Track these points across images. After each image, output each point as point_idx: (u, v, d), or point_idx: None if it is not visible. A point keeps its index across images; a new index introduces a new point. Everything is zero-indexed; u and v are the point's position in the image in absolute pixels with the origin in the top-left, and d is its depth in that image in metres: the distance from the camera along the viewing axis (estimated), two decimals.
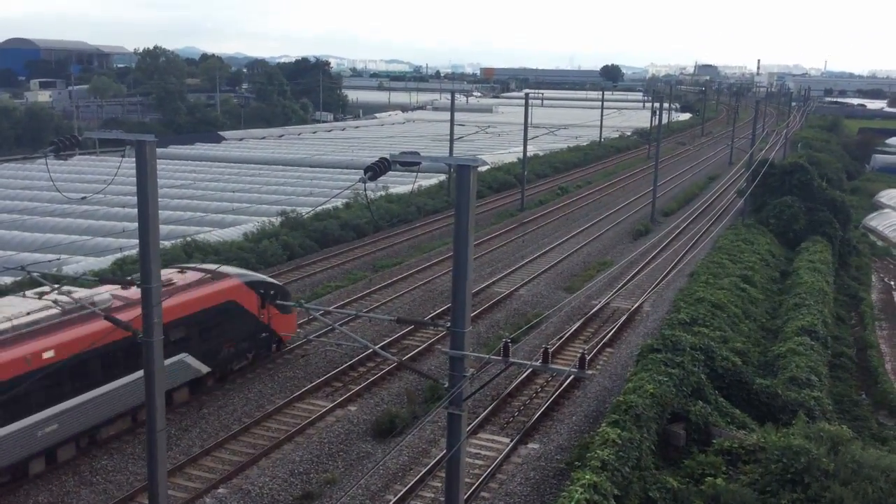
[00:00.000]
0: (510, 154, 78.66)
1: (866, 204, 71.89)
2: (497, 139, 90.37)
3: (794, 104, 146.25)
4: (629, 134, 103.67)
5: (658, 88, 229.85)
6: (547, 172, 70.91)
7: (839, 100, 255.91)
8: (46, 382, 17.53)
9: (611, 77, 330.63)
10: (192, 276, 22.47)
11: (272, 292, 23.68)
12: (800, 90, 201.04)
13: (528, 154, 67.25)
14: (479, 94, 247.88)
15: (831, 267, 43.02)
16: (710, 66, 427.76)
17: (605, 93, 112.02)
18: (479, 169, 64.79)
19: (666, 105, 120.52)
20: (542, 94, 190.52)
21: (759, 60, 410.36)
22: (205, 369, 22.02)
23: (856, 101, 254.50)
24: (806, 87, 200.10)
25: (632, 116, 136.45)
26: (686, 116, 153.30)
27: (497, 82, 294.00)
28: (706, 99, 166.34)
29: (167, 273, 22.54)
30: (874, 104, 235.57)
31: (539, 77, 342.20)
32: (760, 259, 41.38)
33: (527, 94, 63.20)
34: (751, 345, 29.62)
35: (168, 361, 20.45)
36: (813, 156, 75.32)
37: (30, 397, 17.27)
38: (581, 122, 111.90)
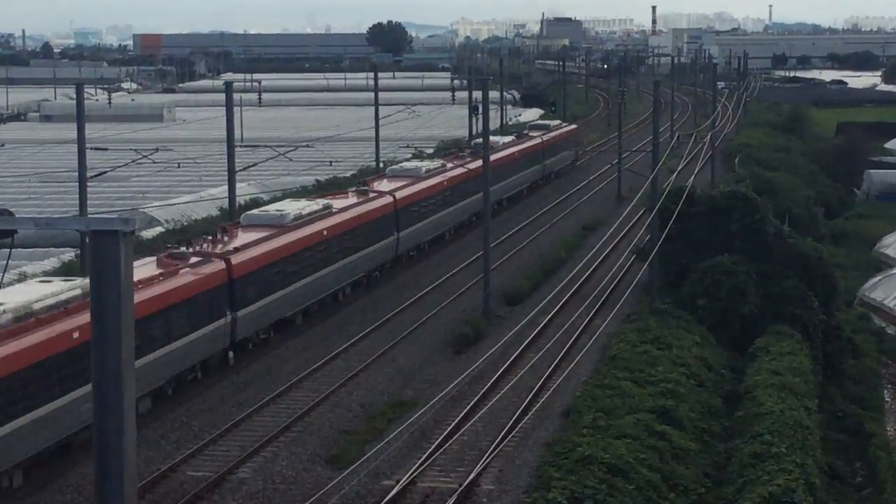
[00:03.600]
0: (204, 203, 78.32)
1: (862, 258, 77.47)
2: (177, 173, 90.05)
3: (721, 85, 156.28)
4: (431, 152, 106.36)
5: (478, 64, 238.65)
6: None
7: (799, 74, 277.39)
8: (338, 247, 55.99)
9: (390, 45, 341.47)
10: (563, 125, 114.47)
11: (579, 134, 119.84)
12: (730, 59, 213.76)
13: (241, 198, 66.88)
14: (134, 85, 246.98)
15: (812, 381, 45.66)
16: (568, 20, 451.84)
17: (381, 75, 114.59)
18: (142, 234, 64.48)
19: (495, 94, 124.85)
20: (260, 82, 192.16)
21: (654, 8, 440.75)
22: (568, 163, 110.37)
23: (828, 74, 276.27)
24: (740, 52, 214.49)
25: (434, 117, 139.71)
26: (534, 114, 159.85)
27: (170, 61, 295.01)
28: (566, 80, 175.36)
29: (550, 123, 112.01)
30: (860, 79, 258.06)
31: (252, 48, 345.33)
32: (686, 375, 43.61)
33: (229, 85, 63.31)
34: None
35: (562, 154, 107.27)
36: (763, 178, 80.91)
37: (327, 257, 54.87)
38: (339, 133, 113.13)
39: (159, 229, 68.52)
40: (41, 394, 34.21)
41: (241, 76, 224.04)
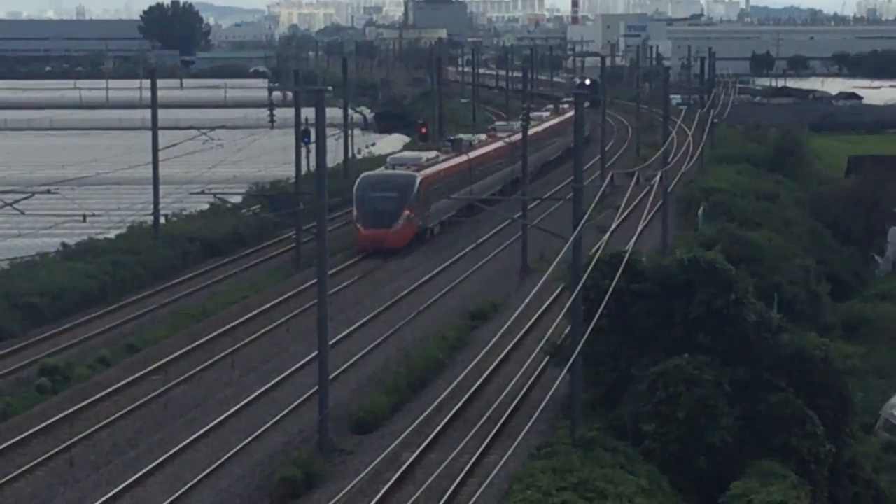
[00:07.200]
0: None
1: (888, 359, 70.42)
2: None
3: (677, 100, 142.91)
4: (240, 200, 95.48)
5: (311, 67, 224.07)
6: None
7: (792, 83, 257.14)
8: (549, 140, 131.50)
9: (175, 38, 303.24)
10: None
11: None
12: (689, 60, 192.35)
13: None
14: None
15: None
16: (446, 1, 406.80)
17: (163, 83, 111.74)
18: None
19: (336, 114, 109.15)
20: None
21: None
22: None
23: (835, 83, 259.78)
24: (704, 50, 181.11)
25: (244, 148, 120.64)
26: (395, 141, 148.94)
27: None
28: (443, 92, 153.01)
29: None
30: (880, 92, 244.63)
31: None
32: None
33: None
34: None
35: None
36: (740, 240, 74.58)
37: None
38: (97, 173, 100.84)
39: None
40: (451, 189, 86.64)
41: None
